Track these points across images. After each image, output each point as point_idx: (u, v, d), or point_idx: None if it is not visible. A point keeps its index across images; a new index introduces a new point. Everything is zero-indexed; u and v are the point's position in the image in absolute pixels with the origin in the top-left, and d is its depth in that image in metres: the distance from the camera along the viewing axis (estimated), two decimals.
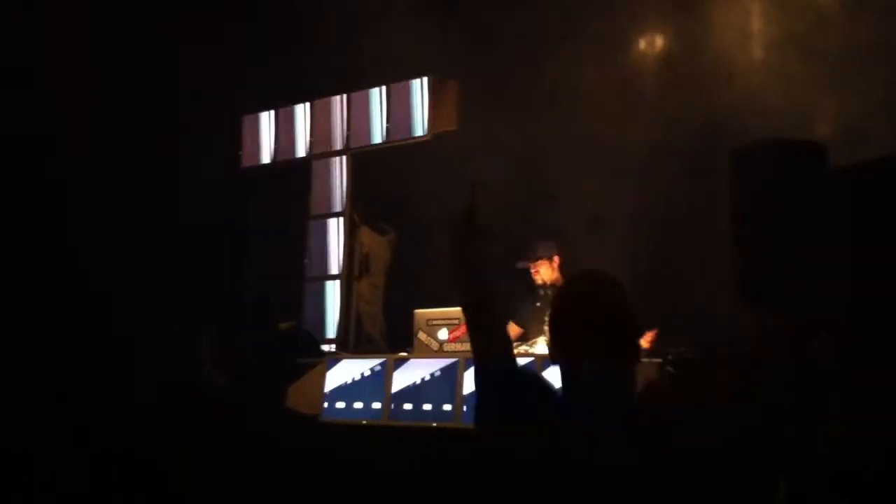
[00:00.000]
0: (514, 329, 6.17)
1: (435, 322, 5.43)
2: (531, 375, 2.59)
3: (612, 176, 6.32)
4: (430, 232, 7.15)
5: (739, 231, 4.49)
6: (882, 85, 5.10)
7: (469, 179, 2.62)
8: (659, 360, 4.63)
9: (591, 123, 6.37)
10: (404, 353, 5.53)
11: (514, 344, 5.62)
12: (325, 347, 7.18)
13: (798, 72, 5.47)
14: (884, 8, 5.24)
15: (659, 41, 6.54)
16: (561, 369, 2.51)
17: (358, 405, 5.33)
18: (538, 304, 6.17)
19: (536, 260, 6.18)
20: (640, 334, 2.56)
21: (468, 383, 4.97)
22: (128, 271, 7.42)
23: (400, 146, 7.56)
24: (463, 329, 5.30)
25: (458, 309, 5.30)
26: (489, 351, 2.55)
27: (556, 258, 6.20)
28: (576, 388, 2.47)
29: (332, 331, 7.61)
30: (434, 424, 4.95)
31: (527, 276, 6.28)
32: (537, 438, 2.44)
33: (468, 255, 2.54)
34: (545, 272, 6.19)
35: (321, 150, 8.12)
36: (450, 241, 2.56)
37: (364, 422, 5.26)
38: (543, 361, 4.84)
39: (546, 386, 2.53)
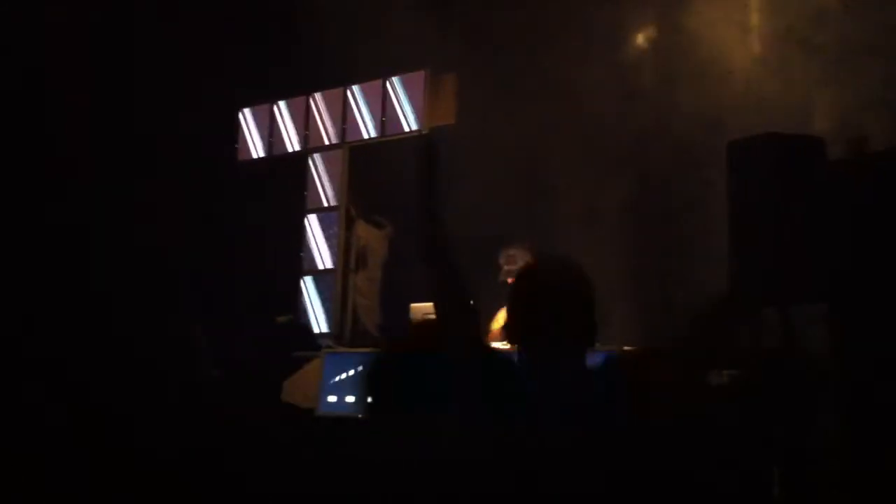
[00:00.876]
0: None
1: (431, 316, 5.42)
2: (503, 363, 2.59)
3: (608, 169, 6.32)
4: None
5: (736, 225, 4.49)
6: (880, 80, 5.10)
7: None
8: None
9: (588, 117, 6.36)
10: None
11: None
12: (322, 341, 7.16)
13: (795, 66, 5.46)
14: (881, 3, 5.23)
15: (656, 34, 6.53)
16: (519, 357, 2.53)
17: (354, 399, 5.33)
18: None
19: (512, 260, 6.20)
20: (595, 325, 2.56)
21: None
22: (123, 266, 7.41)
23: (397, 140, 7.54)
24: None
25: None
26: (464, 342, 2.56)
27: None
28: (535, 375, 2.49)
29: (328, 325, 7.59)
30: None
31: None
32: (511, 429, 2.45)
33: (443, 257, 2.55)
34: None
35: (318, 143, 8.09)
36: (422, 241, 2.56)
37: (361, 416, 5.26)
38: None
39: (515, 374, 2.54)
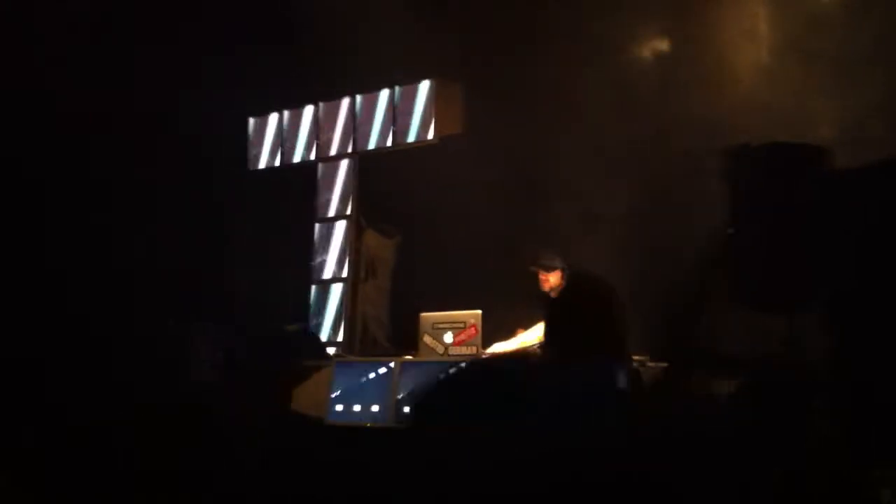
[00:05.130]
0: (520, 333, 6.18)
1: (440, 325, 5.45)
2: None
3: (611, 176, 6.33)
4: (436, 235, 7.17)
5: (736, 231, 4.52)
6: (880, 88, 5.11)
7: None
8: (664, 364, 4.65)
9: (592, 124, 6.38)
10: (410, 357, 5.56)
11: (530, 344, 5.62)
12: (331, 350, 7.21)
13: (797, 74, 5.48)
14: (882, 11, 5.25)
15: (659, 43, 6.54)
16: (553, 369, 2.62)
17: (363, 408, 5.36)
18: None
19: (553, 270, 6.16)
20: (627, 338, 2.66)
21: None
22: (132, 274, 7.47)
23: (405, 149, 7.58)
24: (468, 333, 5.33)
25: (463, 312, 5.37)
26: None
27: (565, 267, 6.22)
28: (566, 386, 2.57)
29: (338, 334, 7.64)
30: None
31: (534, 281, 6.27)
32: (531, 437, 2.50)
33: None
34: (554, 280, 6.19)
35: (327, 153, 8.14)
36: None
37: (369, 424, 5.28)
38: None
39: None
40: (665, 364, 4.65)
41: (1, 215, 7.20)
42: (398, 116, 7.63)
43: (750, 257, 4.43)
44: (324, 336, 7.59)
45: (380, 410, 5.28)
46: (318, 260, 7.98)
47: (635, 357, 4.72)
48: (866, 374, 3.83)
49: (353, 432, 5.28)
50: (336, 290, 7.80)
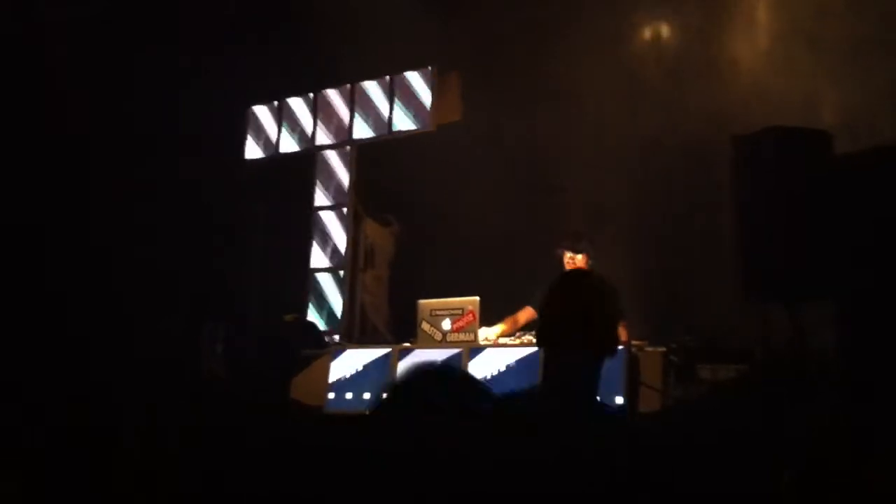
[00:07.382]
0: (528, 312, 6.07)
1: (438, 312, 5.43)
2: None
3: (615, 168, 6.30)
4: (434, 223, 7.15)
5: (742, 221, 4.48)
6: (886, 74, 5.08)
7: None
8: (662, 349, 4.62)
9: (595, 115, 6.36)
10: (408, 344, 5.54)
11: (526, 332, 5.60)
12: (329, 339, 7.18)
13: (802, 62, 5.45)
14: None
15: (663, 32, 6.51)
16: (543, 355, 2.67)
17: (362, 396, 5.35)
18: None
19: (580, 252, 6.03)
20: (616, 332, 2.74)
21: (473, 373, 4.98)
22: (128, 264, 7.44)
23: (404, 138, 7.54)
24: (466, 319, 5.31)
25: (461, 299, 5.35)
26: None
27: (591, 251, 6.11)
28: (553, 374, 2.62)
29: (336, 322, 7.61)
30: None
31: (556, 263, 6.14)
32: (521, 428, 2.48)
33: None
34: (581, 263, 6.05)
35: (325, 141, 8.10)
36: None
37: (368, 413, 5.27)
38: None
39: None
40: (664, 349, 4.62)
41: (1, 216, 7.18)
42: (396, 105, 7.58)
43: (756, 247, 4.39)
44: (323, 325, 7.56)
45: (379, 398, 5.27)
46: (317, 249, 7.94)
47: (635, 342, 4.70)
48: (874, 366, 3.80)
49: (351, 420, 5.26)
50: (335, 280, 7.76)
